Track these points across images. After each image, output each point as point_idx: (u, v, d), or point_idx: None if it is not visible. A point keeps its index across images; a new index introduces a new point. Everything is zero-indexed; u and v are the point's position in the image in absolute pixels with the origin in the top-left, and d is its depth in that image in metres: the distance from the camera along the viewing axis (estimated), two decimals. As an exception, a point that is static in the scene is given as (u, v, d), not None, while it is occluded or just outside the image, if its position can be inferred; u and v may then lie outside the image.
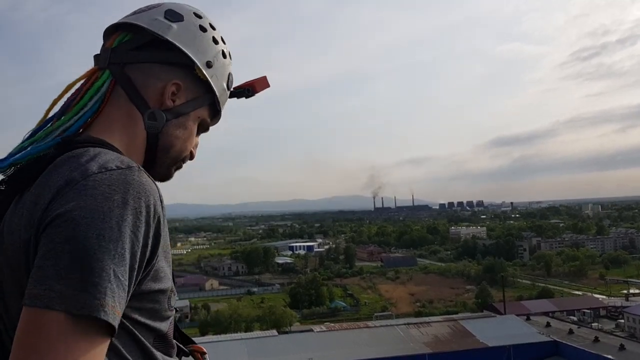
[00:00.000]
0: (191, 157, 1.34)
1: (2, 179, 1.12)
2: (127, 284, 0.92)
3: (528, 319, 42.82)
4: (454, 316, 46.17)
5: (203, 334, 53.09)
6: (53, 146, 1.10)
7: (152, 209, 0.97)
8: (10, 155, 1.14)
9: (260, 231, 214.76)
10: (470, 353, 34.45)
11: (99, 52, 1.25)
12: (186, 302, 76.71)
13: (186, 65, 1.23)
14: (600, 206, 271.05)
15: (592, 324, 47.54)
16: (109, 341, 0.90)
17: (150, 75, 1.21)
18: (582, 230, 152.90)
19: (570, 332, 38.70)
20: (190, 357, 1.33)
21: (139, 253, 0.94)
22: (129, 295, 0.94)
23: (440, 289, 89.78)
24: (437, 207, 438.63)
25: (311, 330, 40.93)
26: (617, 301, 68.85)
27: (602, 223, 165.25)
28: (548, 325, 40.73)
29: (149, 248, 0.98)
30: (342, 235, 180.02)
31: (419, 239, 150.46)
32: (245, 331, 49.28)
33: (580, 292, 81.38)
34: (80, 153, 1.03)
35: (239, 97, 1.42)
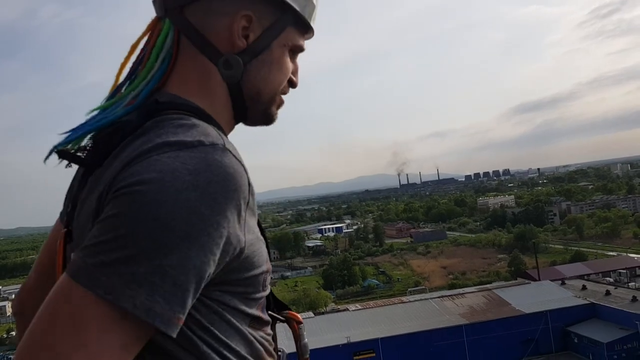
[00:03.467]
0: (293, 85, 1.18)
1: (84, 150, 1.03)
2: (193, 283, 0.83)
3: (563, 283, 42.63)
4: (487, 286, 46.32)
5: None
6: (132, 110, 1.01)
7: (233, 195, 0.86)
8: (83, 125, 1.05)
9: (289, 217, 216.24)
10: (507, 321, 34.59)
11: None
12: (222, 291, 78.10)
13: None
14: (629, 165, 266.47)
15: (629, 284, 47.04)
16: (143, 337, 0.82)
17: (213, 13, 1.04)
18: (612, 190, 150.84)
19: (607, 293, 38.41)
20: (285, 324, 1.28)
21: (211, 247, 0.84)
22: (198, 292, 0.86)
23: (472, 260, 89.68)
24: (463, 179, 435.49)
25: (347, 310, 41.41)
26: (654, 259, 67.95)
27: (632, 182, 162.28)
28: (584, 288, 40.48)
29: (229, 239, 0.87)
30: (370, 214, 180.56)
31: (447, 213, 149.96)
32: (282, 315, 49.92)
33: (614, 253, 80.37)
34: (161, 122, 0.94)
35: None
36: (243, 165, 0.92)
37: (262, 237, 1.02)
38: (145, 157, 0.85)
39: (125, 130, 0.95)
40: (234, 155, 0.90)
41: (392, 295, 64.84)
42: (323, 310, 52.07)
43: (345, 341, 32.35)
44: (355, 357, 32.50)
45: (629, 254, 73.19)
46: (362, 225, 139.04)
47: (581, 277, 49.84)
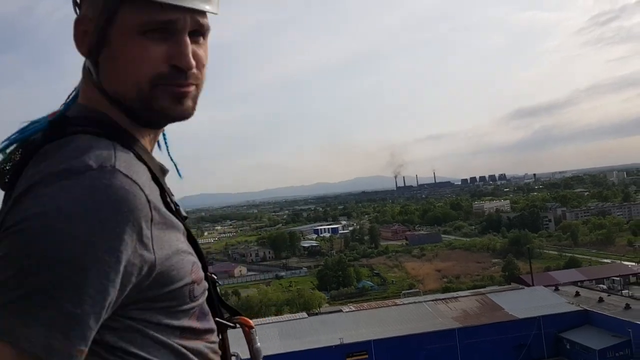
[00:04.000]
0: (182, 68, 0.99)
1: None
2: (86, 315, 0.81)
3: (556, 289, 42.76)
4: (481, 290, 46.38)
5: (234, 319, 53.97)
6: (46, 126, 0.98)
7: (126, 217, 0.85)
8: (8, 137, 1.02)
9: (285, 216, 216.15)
10: (499, 325, 34.65)
11: None
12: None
13: None
14: (625, 173, 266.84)
15: (622, 291, 47.16)
16: None
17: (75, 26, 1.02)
18: (608, 198, 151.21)
19: (600, 300, 38.56)
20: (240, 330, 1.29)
21: (107, 273, 0.82)
22: (100, 319, 0.84)
23: (467, 264, 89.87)
24: (459, 183, 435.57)
25: (340, 311, 41.44)
26: (647, 267, 68.08)
27: (627, 190, 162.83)
28: (577, 294, 40.63)
29: (130, 261, 0.85)
30: (366, 216, 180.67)
31: (442, 216, 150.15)
32: (276, 315, 50.05)
33: (608, 260, 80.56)
34: (64, 143, 0.92)
35: None
36: (137, 183, 0.89)
37: (186, 249, 1.00)
38: (32, 191, 0.84)
39: (28, 153, 0.94)
40: (125, 175, 0.87)
41: (386, 297, 64.92)
42: (317, 311, 52.17)
43: (338, 342, 32.38)
44: (348, 359, 32.53)
45: (622, 262, 73.38)
46: (358, 227, 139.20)
47: (575, 283, 49.99)
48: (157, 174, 1.01)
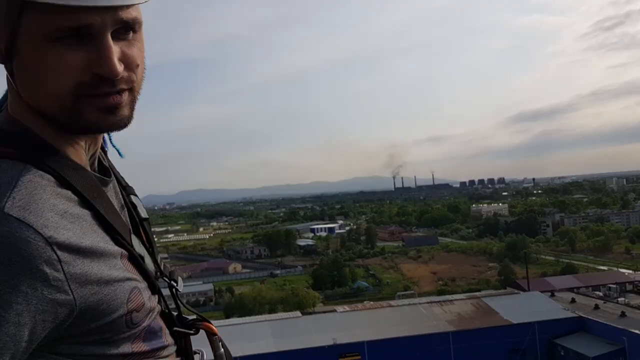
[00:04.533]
0: (111, 74, 0.87)
1: None
2: None
3: (552, 295, 42.51)
4: (477, 294, 46.09)
5: (228, 316, 53.78)
6: None
7: (22, 266, 0.77)
8: None
9: (282, 214, 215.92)
10: (494, 330, 34.40)
11: None
12: (210, 286, 77.89)
13: None
14: (625, 180, 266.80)
15: (619, 299, 46.92)
16: None
17: None
18: (606, 204, 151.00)
19: (596, 307, 38.33)
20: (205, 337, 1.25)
21: (4, 331, 0.76)
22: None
23: (463, 267, 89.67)
24: (458, 186, 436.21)
25: (334, 311, 41.16)
26: (644, 275, 67.94)
27: (626, 197, 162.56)
28: (573, 301, 40.40)
29: (40, 307, 0.79)
30: (363, 216, 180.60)
31: (440, 218, 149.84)
32: (269, 313, 49.79)
33: (605, 267, 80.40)
34: None
35: None
36: (33, 226, 0.79)
37: (122, 276, 0.93)
38: None
39: None
40: (16, 218, 0.79)
41: (381, 298, 64.68)
42: (311, 311, 51.87)
43: (331, 342, 32.11)
44: (341, 359, 32.28)
45: (619, 269, 73.23)
46: (355, 227, 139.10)
47: (571, 289, 49.78)
48: (90, 192, 0.94)
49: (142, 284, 0.99)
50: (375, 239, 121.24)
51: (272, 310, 53.88)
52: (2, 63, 0.91)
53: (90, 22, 0.83)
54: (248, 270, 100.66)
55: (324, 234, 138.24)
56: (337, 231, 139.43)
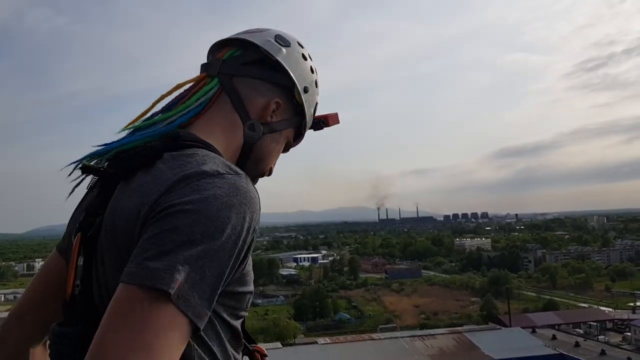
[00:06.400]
0: (269, 172, 1.39)
1: (109, 163, 1.16)
2: (219, 285, 0.96)
3: (534, 331, 42.56)
4: (458, 328, 45.90)
5: (207, 346, 52.88)
6: (158, 137, 1.16)
7: (254, 217, 1.01)
8: (116, 141, 1.20)
9: (265, 242, 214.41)
10: (475, 366, 34.19)
11: (206, 62, 1.35)
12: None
13: (287, 88, 1.31)
14: (605, 218, 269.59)
15: (599, 337, 47.18)
16: (189, 335, 0.93)
17: (255, 90, 1.29)
18: (588, 242, 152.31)
19: (577, 345, 38.45)
20: (249, 357, 1.35)
21: (233, 257, 0.98)
22: (218, 295, 0.98)
23: (445, 301, 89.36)
24: (442, 219, 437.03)
25: (315, 343, 40.70)
26: (624, 314, 68.35)
27: (607, 235, 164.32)
28: (554, 338, 40.48)
29: (243, 253, 1.02)
30: (347, 246, 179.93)
31: (423, 251, 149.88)
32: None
33: (586, 305, 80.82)
34: (192, 153, 1.09)
35: (315, 128, 1.49)
36: (257, 193, 1.07)
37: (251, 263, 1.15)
38: (188, 183, 0.99)
39: (151, 153, 1.10)
40: (252, 184, 1.07)
41: (362, 330, 64.06)
42: (291, 342, 51.24)
43: (311, 375, 31.69)
44: (320, 392, 31.84)
45: (600, 307, 73.64)
46: (338, 257, 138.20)
47: (552, 326, 49.88)
48: None
49: None
50: (359, 270, 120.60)
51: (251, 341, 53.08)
52: (265, 125, 1.30)
53: (291, 147, 1.45)
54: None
55: (307, 263, 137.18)
56: (320, 261, 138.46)
